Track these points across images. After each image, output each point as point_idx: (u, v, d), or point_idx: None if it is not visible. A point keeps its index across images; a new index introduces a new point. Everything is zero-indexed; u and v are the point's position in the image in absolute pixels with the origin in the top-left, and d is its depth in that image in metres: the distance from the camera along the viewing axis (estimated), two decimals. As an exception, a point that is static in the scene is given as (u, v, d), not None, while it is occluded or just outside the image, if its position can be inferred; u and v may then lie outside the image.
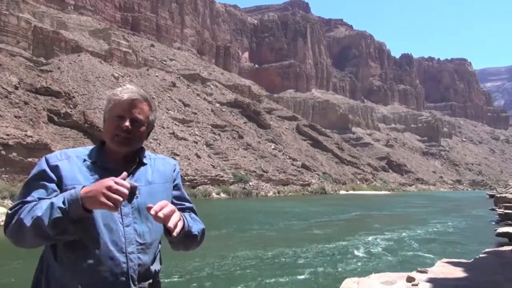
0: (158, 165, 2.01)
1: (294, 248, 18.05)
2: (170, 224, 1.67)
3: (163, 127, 74.44)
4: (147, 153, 2.02)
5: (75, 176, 1.81)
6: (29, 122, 47.30)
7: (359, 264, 15.21)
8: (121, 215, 1.81)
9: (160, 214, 1.63)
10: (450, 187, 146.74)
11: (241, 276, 13.09)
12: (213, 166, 69.23)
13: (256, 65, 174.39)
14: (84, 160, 1.88)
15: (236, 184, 67.00)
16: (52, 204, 1.62)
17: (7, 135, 40.16)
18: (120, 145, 1.87)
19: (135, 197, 1.81)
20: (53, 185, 1.78)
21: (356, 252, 17.55)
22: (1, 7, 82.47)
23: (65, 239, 1.70)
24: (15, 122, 44.26)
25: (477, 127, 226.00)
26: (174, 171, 2.06)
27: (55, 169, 1.81)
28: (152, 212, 1.64)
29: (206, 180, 62.73)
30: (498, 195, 32.58)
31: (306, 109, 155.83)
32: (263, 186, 72.33)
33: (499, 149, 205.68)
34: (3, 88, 49.36)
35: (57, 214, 1.58)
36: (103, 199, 1.56)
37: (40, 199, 1.72)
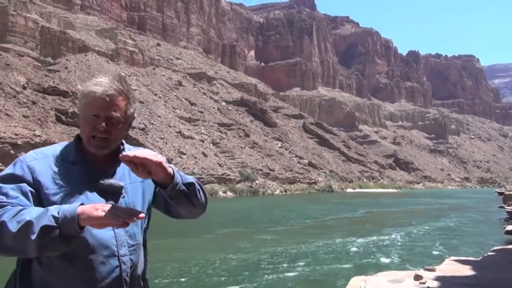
0: None
1: (302, 246, 18.05)
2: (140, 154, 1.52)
3: (169, 126, 74.71)
4: (127, 147, 1.87)
5: (54, 179, 1.68)
6: (37, 122, 47.73)
7: (367, 262, 15.18)
8: None
9: (128, 153, 1.52)
10: (458, 185, 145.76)
11: (248, 272, 13.12)
12: (220, 165, 69.37)
13: (262, 63, 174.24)
14: (63, 160, 1.73)
15: (243, 183, 67.08)
16: (46, 211, 1.50)
17: (16, 134, 40.58)
18: (97, 148, 1.72)
19: (122, 196, 1.73)
20: (29, 188, 1.64)
21: (363, 250, 17.51)
22: (9, 7, 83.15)
23: (44, 254, 1.55)
24: (23, 122, 44.69)
25: (485, 124, 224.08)
26: None
27: (32, 171, 1.66)
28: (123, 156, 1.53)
29: (213, 178, 62.87)
30: (507, 193, 32.29)
31: (313, 107, 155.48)
32: (269, 184, 72.35)
33: (508, 146, 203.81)
34: (11, 88, 49.83)
35: (49, 222, 1.46)
36: (99, 212, 1.47)
37: (17, 204, 1.57)
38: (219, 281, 12.32)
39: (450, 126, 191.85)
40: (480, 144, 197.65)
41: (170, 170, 1.64)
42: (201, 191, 1.81)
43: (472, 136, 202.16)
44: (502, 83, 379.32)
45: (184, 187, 1.70)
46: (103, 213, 1.45)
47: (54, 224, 1.45)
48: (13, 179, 1.63)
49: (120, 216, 1.45)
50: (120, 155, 1.54)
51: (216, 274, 13.07)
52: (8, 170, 1.67)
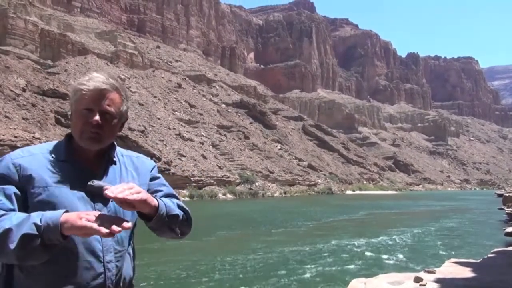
0: (131, 164, 1.82)
1: (303, 248, 18.04)
2: (122, 195, 1.45)
3: (169, 128, 74.72)
4: (118, 149, 1.82)
5: (42, 177, 1.60)
6: (37, 124, 47.74)
7: (367, 264, 15.17)
8: None
9: (110, 193, 1.44)
10: (457, 187, 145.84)
11: (248, 275, 13.11)
12: (219, 167, 69.37)
13: (262, 66, 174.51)
14: (52, 158, 1.66)
15: (242, 185, 67.06)
16: (27, 218, 1.42)
17: (15, 137, 40.60)
18: (90, 142, 1.65)
19: (111, 200, 1.61)
20: (15, 190, 1.56)
21: (363, 252, 17.50)
22: (9, 10, 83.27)
23: (24, 263, 1.49)
24: (23, 124, 44.71)
25: (484, 125, 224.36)
26: (151, 171, 1.86)
27: (19, 168, 1.59)
28: (109, 193, 1.45)
29: (212, 181, 62.86)
30: (507, 194, 32.34)
31: (312, 109, 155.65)
32: (269, 186, 72.33)
33: (507, 148, 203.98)
34: (11, 90, 49.88)
35: (30, 230, 1.39)
36: (83, 221, 1.39)
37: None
38: (223, 283, 12.31)
39: (449, 128, 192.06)
40: (480, 146, 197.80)
41: (155, 202, 1.58)
42: (186, 219, 1.76)
43: (472, 138, 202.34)
44: (501, 85, 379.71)
45: (167, 219, 1.64)
46: (88, 223, 1.38)
47: (35, 232, 1.39)
48: None
49: (106, 226, 1.39)
50: (105, 192, 1.46)
51: (220, 276, 13.07)
52: None
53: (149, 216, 1.59)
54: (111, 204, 1.66)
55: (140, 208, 1.52)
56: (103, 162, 1.73)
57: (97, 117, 1.62)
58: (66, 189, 1.60)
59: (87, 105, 1.63)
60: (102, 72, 1.74)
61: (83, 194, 1.61)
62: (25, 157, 1.63)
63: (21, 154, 1.65)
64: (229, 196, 61.11)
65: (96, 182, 1.60)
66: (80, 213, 1.43)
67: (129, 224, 1.45)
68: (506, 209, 28.19)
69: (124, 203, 1.46)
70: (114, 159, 1.77)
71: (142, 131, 66.67)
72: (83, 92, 1.64)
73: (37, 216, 1.42)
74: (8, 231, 1.38)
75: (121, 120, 1.73)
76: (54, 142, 1.74)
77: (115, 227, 1.39)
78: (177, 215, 1.68)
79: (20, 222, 1.40)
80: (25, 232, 1.38)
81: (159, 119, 76.51)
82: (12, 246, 1.37)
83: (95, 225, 1.38)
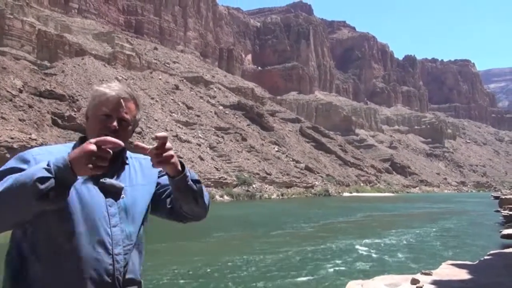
0: (139, 165, 1.96)
1: (299, 250, 18.05)
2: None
3: (166, 130, 74.58)
4: (128, 152, 1.97)
5: None
6: (34, 125, 47.56)
7: (364, 266, 15.18)
8: (108, 215, 1.74)
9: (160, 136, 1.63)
10: (454, 189, 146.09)
11: (247, 276, 13.09)
12: (217, 169, 69.28)
13: (259, 68, 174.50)
14: None
15: (240, 187, 66.99)
16: (32, 168, 1.51)
17: (12, 138, 40.42)
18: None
19: (121, 197, 1.79)
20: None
21: (360, 254, 17.52)
22: (6, 11, 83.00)
23: (41, 209, 1.53)
24: (19, 125, 44.54)
25: (481, 128, 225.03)
26: (158, 173, 2.00)
27: (37, 162, 1.65)
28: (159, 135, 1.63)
29: (210, 182, 62.76)
30: (503, 197, 32.47)
31: (309, 111, 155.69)
32: (266, 188, 72.28)
33: (504, 151, 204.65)
34: (7, 91, 49.68)
35: (42, 174, 1.46)
36: (88, 166, 1.49)
37: None
38: (224, 283, 12.30)
39: (446, 130, 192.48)
40: (476, 148, 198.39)
41: (179, 166, 1.76)
42: (205, 191, 1.92)
43: (468, 141, 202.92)
44: (497, 88, 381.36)
45: (192, 183, 1.81)
46: (81, 153, 1.49)
47: (47, 166, 1.48)
48: (13, 171, 1.61)
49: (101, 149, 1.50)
50: (156, 135, 1.63)
51: (221, 277, 13.06)
52: (11, 162, 1.68)
53: (174, 176, 1.75)
54: (121, 201, 1.80)
55: (167, 163, 1.68)
56: (114, 163, 1.83)
57: (115, 123, 1.77)
58: (79, 185, 1.70)
59: (107, 112, 1.77)
60: (122, 82, 1.85)
61: (96, 189, 1.75)
62: (43, 154, 1.74)
63: (39, 152, 1.78)
64: (226, 198, 61.05)
65: (108, 180, 1.77)
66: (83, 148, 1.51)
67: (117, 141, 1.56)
68: (502, 211, 28.27)
69: (162, 153, 1.63)
70: (126, 161, 1.91)
71: (139, 133, 66.52)
72: (104, 99, 1.78)
73: (43, 162, 1.51)
74: (19, 180, 1.47)
75: (133, 127, 1.88)
76: (71, 144, 1.86)
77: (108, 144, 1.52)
78: (199, 180, 1.85)
79: (30, 170, 1.50)
80: (40, 175, 1.45)
81: (156, 120, 76.39)
82: (29, 181, 1.45)
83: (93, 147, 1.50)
